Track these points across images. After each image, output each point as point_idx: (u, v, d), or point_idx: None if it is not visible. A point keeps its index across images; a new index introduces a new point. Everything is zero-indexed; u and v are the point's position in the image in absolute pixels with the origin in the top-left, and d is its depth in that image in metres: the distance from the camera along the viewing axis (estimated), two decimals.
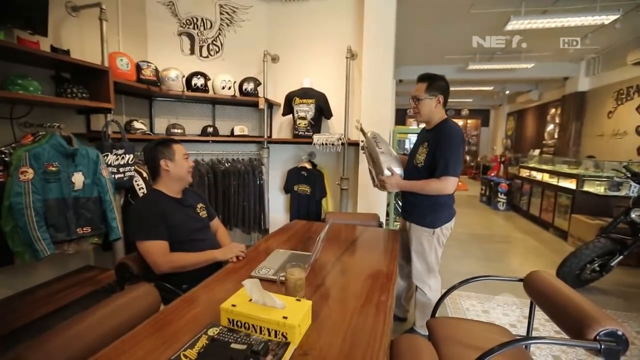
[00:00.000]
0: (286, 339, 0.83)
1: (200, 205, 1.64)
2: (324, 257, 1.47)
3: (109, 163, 2.14)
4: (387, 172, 1.80)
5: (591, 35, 4.35)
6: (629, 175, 2.70)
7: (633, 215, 2.50)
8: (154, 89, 2.51)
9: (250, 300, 0.91)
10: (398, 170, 1.82)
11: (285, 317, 0.83)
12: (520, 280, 1.37)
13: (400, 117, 11.03)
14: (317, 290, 1.15)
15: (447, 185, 1.64)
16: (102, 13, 2.10)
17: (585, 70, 5.81)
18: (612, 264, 2.55)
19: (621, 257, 2.52)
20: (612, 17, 3.46)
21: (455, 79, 6.58)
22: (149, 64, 2.48)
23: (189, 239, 1.47)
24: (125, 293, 1.16)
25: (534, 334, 1.99)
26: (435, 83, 1.73)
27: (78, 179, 1.94)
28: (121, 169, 2.21)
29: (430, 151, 1.71)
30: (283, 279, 1.07)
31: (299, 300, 0.93)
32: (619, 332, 0.92)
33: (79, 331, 0.93)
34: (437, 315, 2.17)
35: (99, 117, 2.39)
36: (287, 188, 3.15)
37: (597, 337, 0.93)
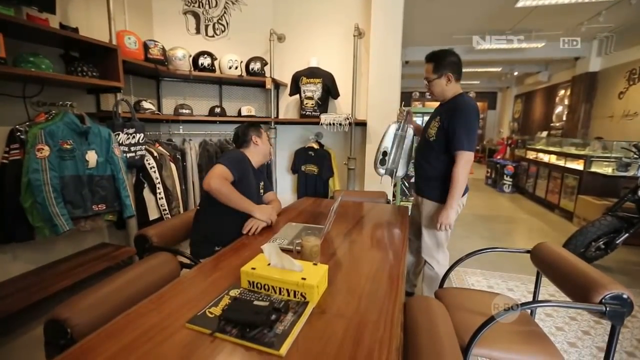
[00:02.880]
0: (305, 298, 0.87)
1: (261, 184, 1.78)
2: (334, 231, 1.51)
3: (120, 142, 2.18)
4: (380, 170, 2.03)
5: (605, 13, 4.23)
6: (639, 154, 2.68)
7: None
8: (161, 69, 2.51)
9: (269, 264, 0.95)
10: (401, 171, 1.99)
11: (303, 279, 0.87)
12: (528, 251, 1.40)
13: (406, 99, 10.87)
14: (331, 258, 1.19)
15: (467, 164, 1.63)
16: None
17: (597, 50, 5.66)
18: (618, 242, 2.57)
19: (627, 235, 2.54)
20: None
21: (463, 60, 6.44)
22: (156, 43, 2.47)
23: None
24: (146, 260, 1.21)
25: (539, 310, 2.04)
26: (442, 61, 1.72)
27: (92, 157, 1.98)
28: (132, 148, 2.25)
29: (442, 126, 1.71)
30: (299, 248, 1.11)
31: (316, 264, 0.96)
32: (624, 295, 0.96)
33: (108, 292, 0.99)
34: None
35: (108, 97, 2.41)
36: (295, 168, 3.18)
37: (603, 300, 0.96)
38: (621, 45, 5.16)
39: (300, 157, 3.12)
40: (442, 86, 1.74)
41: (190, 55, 2.76)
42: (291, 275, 0.89)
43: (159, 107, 2.96)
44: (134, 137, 2.25)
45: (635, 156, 2.84)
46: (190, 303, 0.88)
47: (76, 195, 1.90)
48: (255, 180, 1.68)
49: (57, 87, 2.08)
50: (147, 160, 2.35)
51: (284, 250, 1.23)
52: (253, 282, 0.92)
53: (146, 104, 2.55)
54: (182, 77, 2.83)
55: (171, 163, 2.52)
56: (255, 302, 0.82)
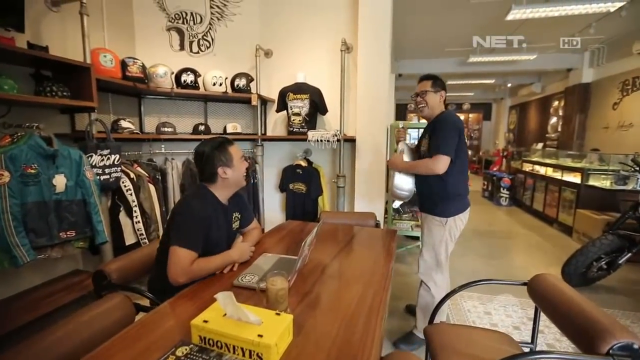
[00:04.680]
0: (261, 359, 0.74)
1: (235, 215, 1.48)
2: (315, 260, 1.39)
3: (93, 164, 2.06)
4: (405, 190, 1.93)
5: (595, 25, 4.22)
6: (638, 168, 2.58)
7: None
8: (141, 87, 2.42)
9: (225, 315, 0.83)
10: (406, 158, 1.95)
11: (260, 336, 0.75)
12: (525, 284, 1.28)
13: (401, 112, 10.90)
14: (304, 298, 1.07)
15: (437, 163, 1.68)
16: (83, 7, 2.00)
17: (589, 61, 5.66)
18: (620, 262, 2.45)
19: (629, 254, 2.42)
20: (618, 4, 3.33)
21: (456, 72, 6.45)
22: (135, 60, 2.39)
23: (215, 251, 1.30)
24: (97, 304, 1.09)
25: (540, 338, 1.90)
26: (438, 81, 1.86)
27: (60, 181, 1.86)
28: (107, 170, 2.13)
29: (431, 139, 1.79)
30: (263, 286, 0.98)
31: (279, 314, 0.84)
32: (635, 346, 0.83)
33: (50, 344, 0.89)
34: (437, 316, 2.10)
35: (84, 116, 2.30)
36: (283, 187, 3.06)
37: (610, 351, 0.84)
38: (613, 57, 5.15)
39: (288, 175, 3.01)
40: (437, 101, 1.85)
41: (173, 72, 2.68)
42: (247, 331, 0.76)
43: (141, 126, 2.86)
44: (108, 158, 2.14)
45: (632, 170, 2.74)
46: None
47: (40, 222, 1.77)
48: (225, 220, 1.40)
49: (26, 108, 1.98)
50: (123, 182, 2.24)
51: (251, 289, 1.11)
52: (204, 338, 0.79)
53: (125, 123, 2.45)
54: (164, 94, 2.74)
55: (150, 184, 2.40)
56: None
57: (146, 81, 2.49)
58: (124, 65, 2.33)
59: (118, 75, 2.26)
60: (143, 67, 2.45)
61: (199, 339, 0.80)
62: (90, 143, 2.07)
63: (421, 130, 3.76)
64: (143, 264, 1.38)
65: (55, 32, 2.14)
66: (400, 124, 3.95)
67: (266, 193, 3.29)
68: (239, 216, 1.52)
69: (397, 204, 3.31)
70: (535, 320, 1.30)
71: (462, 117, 10.81)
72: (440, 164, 1.68)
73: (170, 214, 1.34)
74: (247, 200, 2.92)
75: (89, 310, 1.04)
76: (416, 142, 2.09)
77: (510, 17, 3.70)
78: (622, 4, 3.32)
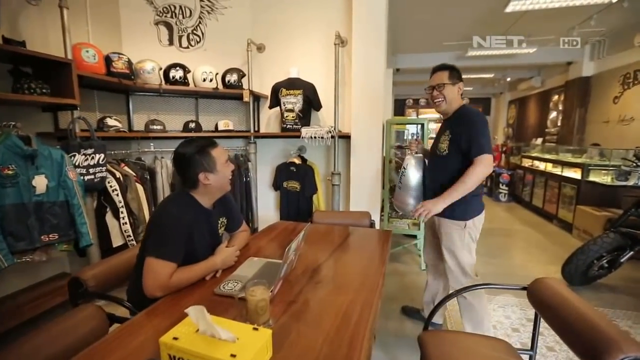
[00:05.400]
0: None
1: (221, 220, 1.39)
2: (303, 265, 1.32)
3: (76, 164, 1.99)
4: (410, 204, 1.79)
5: (597, 17, 4.12)
6: (639, 164, 2.51)
7: None
8: (127, 83, 2.34)
9: (197, 331, 0.76)
10: (414, 194, 1.80)
11: (233, 355, 0.68)
12: (524, 288, 1.21)
13: (399, 107, 10.78)
14: (289, 308, 1.00)
15: (488, 164, 1.54)
16: (62, 0, 1.91)
17: (589, 54, 5.56)
18: (622, 260, 2.38)
19: (632, 253, 2.36)
20: None
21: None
22: (121, 56, 2.31)
23: (197, 260, 1.21)
24: (68, 316, 1.02)
25: (540, 340, 1.84)
26: (455, 71, 1.73)
27: (40, 182, 1.78)
28: (91, 170, 2.06)
29: (454, 138, 1.65)
30: (242, 295, 0.92)
31: (257, 329, 0.77)
32: None
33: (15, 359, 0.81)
34: (434, 319, 2.04)
35: (67, 114, 2.22)
36: (276, 185, 2.99)
37: None
38: (614, 50, 5.05)
39: (282, 172, 2.93)
40: (455, 94, 1.71)
41: (161, 68, 2.59)
42: (220, 350, 0.70)
43: (129, 124, 2.78)
44: (93, 157, 2.07)
45: (634, 165, 2.67)
46: None
47: (19, 225, 1.70)
48: (209, 227, 1.31)
49: (5, 106, 1.90)
50: (108, 182, 2.16)
51: (230, 298, 1.04)
52: (174, 357, 0.73)
53: (111, 121, 2.37)
54: (152, 91, 2.66)
55: (137, 184, 2.33)
56: None
57: (133, 77, 2.41)
58: (108, 60, 2.25)
59: (102, 71, 2.18)
60: (129, 62, 2.36)
61: (169, 357, 0.73)
62: (73, 142, 2.00)
63: (419, 127, 3.68)
64: (123, 270, 1.31)
65: (35, 26, 2.06)
66: (412, 133, 3.88)
67: (260, 191, 3.21)
68: (226, 221, 1.43)
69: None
70: (535, 326, 1.23)
71: None
72: (487, 164, 1.53)
73: (148, 221, 1.26)
74: (240, 200, 2.88)
75: (58, 323, 0.98)
76: (420, 145, 1.96)
77: (509, 9, 3.60)
78: None
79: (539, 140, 6.92)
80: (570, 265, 2.47)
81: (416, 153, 1.90)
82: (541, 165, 5.19)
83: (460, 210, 1.64)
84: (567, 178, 4.24)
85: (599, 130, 5.43)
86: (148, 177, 2.47)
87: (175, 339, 0.74)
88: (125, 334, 0.91)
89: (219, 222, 1.38)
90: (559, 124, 6.60)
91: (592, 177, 3.86)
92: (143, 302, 1.10)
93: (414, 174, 1.82)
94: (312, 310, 1.00)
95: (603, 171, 3.85)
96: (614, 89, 5.05)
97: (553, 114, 7.00)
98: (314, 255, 1.43)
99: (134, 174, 2.34)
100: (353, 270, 1.35)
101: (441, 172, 1.72)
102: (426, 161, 1.88)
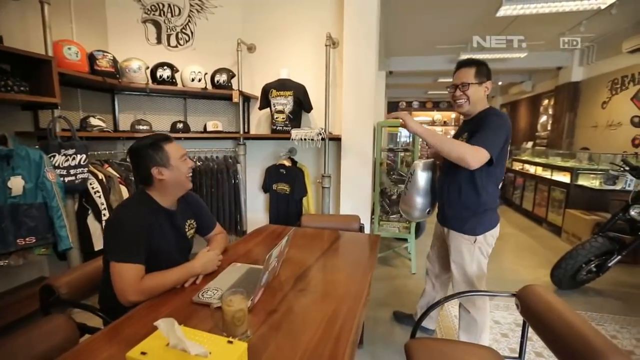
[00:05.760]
0: None
1: (189, 221, 1.35)
2: (287, 272, 1.28)
3: (56, 164, 1.92)
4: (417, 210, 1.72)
5: (586, 23, 4.17)
6: (628, 168, 2.53)
7: (632, 213, 2.34)
8: (111, 82, 2.28)
9: (168, 345, 0.71)
10: (420, 200, 1.71)
11: None
12: (513, 295, 1.19)
13: (393, 110, 10.81)
14: (269, 318, 0.96)
15: (475, 153, 1.36)
16: None
17: (579, 60, 5.64)
18: (610, 265, 2.39)
19: (619, 257, 2.37)
20: (609, 1, 3.27)
21: (447, 70, 6.38)
22: (105, 54, 2.24)
23: (165, 263, 1.16)
24: (35, 326, 0.96)
25: (528, 346, 1.82)
26: (483, 68, 1.52)
27: (16, 183, 1.71)
28: (72, 171, 1.99)
29: (469, 142, 1.47)
30: (218, 303, 0.88)
31: (231, 342, 0.73)
32: None
33: None
34: (427, 325, 2.02)
35: (48, 113, 2.15)
36: (266, 187, 2.95)
37: None
38: (602, 55, 5.13)
39: (271, 175, 2.89)
40: (480, 94, 1.52)
41: (148, 67, 2.53)
42: None
43: (115, 123, 2.71)
44: (74, 158, 2.00)
45: (622, 170, 2.69)
46: None
47: None
48: (172, 226, 1.26)
49: None
50: (90, 183, 2.09)
51: (204, 306, 1.00)
52: None
53: (95, 121, 2.30)
54: (139, 90, 2.60)
55: (122, 186, 2.26)
56: None
57: (118, 76, 2.35)
58: (92, 58, 2.18)
59: (85, 69, 2.12)
60: (114, 60, 2.30)
61: None
62: (53, 142, 1.93)
63: (405, 130, 3.67)
64: (98, 277, 1.25)
65: (15, 22, 1.99)
66: (405, 136, 3.85)
67: (250, 194, 3.16)
68: (194, 223, 1.39)
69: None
70: (524, 334, 1.21)
71: (452, 115, 10.79)
72: (477, 156, 1.36)
73: (104, 226, 1.23)
74: (229, 202, 2.82)
75: (22, 334, 0.92)
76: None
77: (501, 13, 3.62)
78: (612, 1, 3.27)
79: (530, 144, 6.99)
80: (559, 269, 2.48)
81: (427, 157, 1.81)
82: (531, 169, 5.23)
83: (471, 225, 1.55)
84: (556, 182, 4.27)
85: (587, 134, 5.50)
86: (133, 178, 2.41)
87: (143, 353, 0.69)
88: (94, 346, 0.86)
89: (187, 224, 1.34)
90: (549, 128, 6.68)
91: (581, 181, 3.89)
92: (115, 310, 1.05)
93: (421, 179, 1.73)
94: (293, 320, 0.97)
95: (591, 175, 3.89)
96: (602, 94, 5.12)
97: (543, 118, 7.08)
98: (299, 261, 1.39)
99: (118, 176, 2.27)
100: (338, 277, 1.31)
101: (451, 181, 1.61)
102: (437, 163, 1.78)
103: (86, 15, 2.45)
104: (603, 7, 3.40)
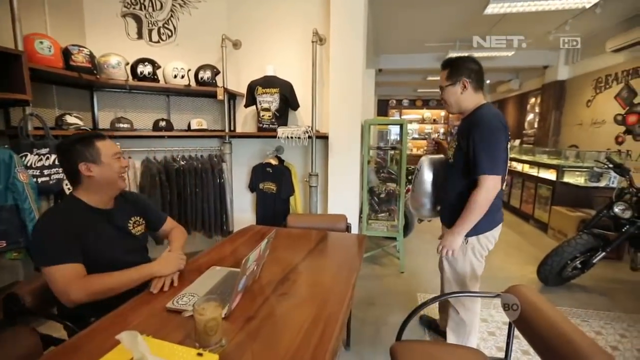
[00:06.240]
0: None
1: (134, 219, 1.31)
2: (268, 275, 1.24)
3: (28, 164, 1.83)
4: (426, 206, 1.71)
5: (571, 22, 4.22)
6: (611, 166, 2.56)
7: (616, 210, 2.36)
8: (88, 78, 2.18)
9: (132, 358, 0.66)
10: (427, 202, 1.70)
11: None
12: (498, 295, 1.17)
13: (383, 108, 10.83)
14: (246, 325, 0.91)
15: (490, 189, 1.36)
16: None
17: (564, 59, 5.72)
18: (594, 261, 2.42)
19: (604, 253, 2.39)
20: (593, 0, 3.30)
21: (435, 68, 6.39)
22: (81, 49, 2.15)
23: (108, 264, 1.13)
24: None
25: (515, 344, 1.82)
26: (458, 67, 1.48)
27: None
28: (46, 172, 1.90)
29: (459, 145, 1.47)
30: (190, 309, 0.83)
31: (201, 354, 0.68)
32: None
33: None
34: (408, 326, 2.00)
35: (20, 110, 2.05)
36: (253, 186, 2.89)
37: None
38: (587, 54, 5.21)
39: (258, 173, 2.84)
40: (457, 95, 1.48)
41: (128, 63, 2.44)
42: None
43: (94, 122, 2.61)
44: (47, 158, 1.91)
45: (606, 167, 2.72)
46: None
47: None
48: (111, 226, 1.21)
49: None
50: (66, 184, 2.01)
51: (173, 312, 0.94)
52: None
53: (71, 119, 2.21)
54: (118, 87, 2.51)
55: None
56: None
57: (95, 72, 2.25)
58: (67, 53, 2.09)
59: (59, 65, 2.02)
60: (91, 56, 2.21)
61: None
62: (25, 141, 1.84)
63: (395, 128, 3.63)
64: None
65: None
66: (395, 134, 3.82)
67: (236, 193, 3.10)
68: (141, 220, 1.35)
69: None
70: (510, 334, 1.20)
71: (442, 113, 10.85)
72: (493, 188, 1.36)
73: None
74: (214, 202, 2.75)
75: None
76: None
77: (488, 11, 3.63)
78: (597, 0, 3.30)
79: (517, 142, 7.07)
80: (545, 266, 2.49)
81: (433, 152, 1.83)
82: (518, 167, 5.29)
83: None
84: (543, 179, 4.32)
85: (573, 132, 5.58)
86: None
87: None
88: (61, 358, 0.80)
89: (131, 221, 1.30)
90: (535, 126, 6.77)
91: (567, 179, 3.94)
92: (80, 317, 1.00)
93: (427, 176, 1.72)
94: (272, 326, 0.92)
95: (577, 173, 3.94)
96: (587, 92, 5.20)
97: (530, 116, 7.17)
98: (282, 263, 1.35)
99: None
100: (322, 279, 1.28)
101: (449, 182, 1.61)
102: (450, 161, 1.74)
103: (61, 8, 2.35)
104: (588, 6, 3.43)
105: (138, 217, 1.33)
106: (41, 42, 1.92)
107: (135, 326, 0.92)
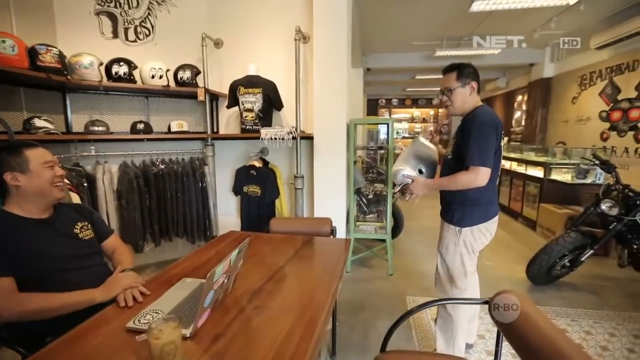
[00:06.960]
0: None
1: (80, 224, 1.26)
2: (245, 285, 1.16)
3: None
4: (401, 177, 1.72)
5: (556, 19, 4.23)
6: (597, 162, 2.55)
7: (603, 207, 2.35)
8: (58, 79, 2.07)
9: None
10: (411, 172, 1.73)
11: None
12: (486, 302, 1.12)
13: (372, 107, 10.81)
14: (213, 345, 0.84)
15: (477, 176, 1.43)
16: None
17: (550, 56, 5.76)
18: (582, 259, 2.40)
19: (591, 251, 2.38)
20: None
21: (423, 67, 6.39)
22: (50, 48, 2.04)
23: (58, 269, 1.10)
24: None
25: (504, 347, 1.78)
26: (465, 70, 1.57)
27: None
28: None
29: (457, 142, 1.57)
30: (145, 333, 0.75)
31: None
32: None
33: None
34: (397, 329, 1.94)
35: None
36: (237, 189, 2.80)
37: None
38: (572, 52, 5.24)
39: (241, 176, 2.75)
40: (465, 96, 1.57)
41: (102, 63, 2.34)
42: None
43: (67, 125, 2.50)
44: None
45: (592, 163, 2.72)
46: None
47: None
48: (48, 231, 1.15)
49: None
50: None
51: (138, 332, 0.86)
52: None
53: (40, 122, 2.09)
54: (92, 88, 2.40)
55: (72, 193, 2.07)
56: None
57: (66, 73, 2.14)
58: (33, 53, 1.97)
59: (24, 65, 1.90)
60: (60, 55, 2.10)
61: None
62: None
63: (384, 127, 3.60)
64: None
65: None
66: (384, 133, 3.78)
67: (221, 196, 3.01)
68: (89, 225, 1.29)
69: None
70: (498, 341, 1.15)
71: (431, 112, 10.90)
72: (480, 177, 1.43)
73: None
74: (196, 206, 2.66)
75: None
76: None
77: (474, 8, 3.61)
78: None
79: (505, 140, 7.10)
80: (534, 265, 2.47)
81: (431, 138, 1.93)
82: (507, 164, 5.30)
83: (458, 217, 1.58)
84: (530, 176, 4.33)
85: (559, 129, 5.63)
86: (86, 184, 2.22)
87: None
88: None
89: (77, 226, 1.24)
90: (523, 123, 6.82)
91: (554, 176, 3.95)
92: (27, 339, 0.91)
93: (420, 147, 1.80)
94: (242, 344, 0.85)
95: (564, 170, 3.95)
96: (572, 89, 5.24)
97: (517, 114, 7.22)
98: (259, 272, 1.27)
99: (68, 182, 2.07)
100: (301, 289, 1.21)
101: (447, 172, 1.62)
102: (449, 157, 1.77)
103: (29, 6, 2.23)
104: (572, 2, 3.44)
105: (85, 223, 1.29)
106: (3, 41, 1.81)
107: (93, 347, 0.84)
